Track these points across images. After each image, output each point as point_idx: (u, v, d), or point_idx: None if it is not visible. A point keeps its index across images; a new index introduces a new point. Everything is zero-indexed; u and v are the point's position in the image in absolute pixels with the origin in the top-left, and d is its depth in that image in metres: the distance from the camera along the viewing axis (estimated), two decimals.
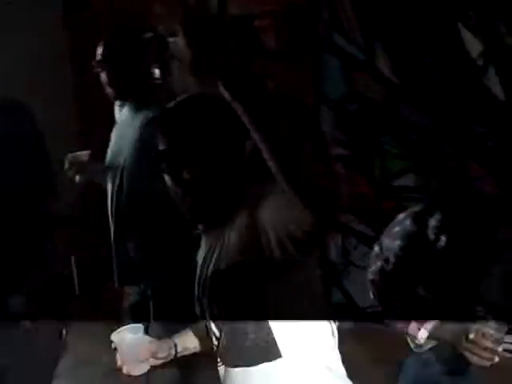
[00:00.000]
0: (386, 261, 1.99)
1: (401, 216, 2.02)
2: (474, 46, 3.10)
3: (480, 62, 3.09)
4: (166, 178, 1.50)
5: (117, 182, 2.80)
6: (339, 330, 1.61)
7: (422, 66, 3.28)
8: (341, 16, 3.53)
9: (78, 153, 2.88)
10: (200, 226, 1.54)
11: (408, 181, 3.44)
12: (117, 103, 2.95)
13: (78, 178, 2.85)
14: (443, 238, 1.93)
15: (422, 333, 1.86)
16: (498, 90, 3.04)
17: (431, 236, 1.93)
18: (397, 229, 1.97)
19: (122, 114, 2.91)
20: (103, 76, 2.74)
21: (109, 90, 2.76)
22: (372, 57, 3.45)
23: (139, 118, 2.76)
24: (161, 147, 1.49)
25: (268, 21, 3.73)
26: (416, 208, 2.00)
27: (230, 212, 1.46)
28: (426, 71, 3.26)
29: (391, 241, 1.96)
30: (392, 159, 3.50)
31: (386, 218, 3.44)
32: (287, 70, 3.63)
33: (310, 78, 3.69)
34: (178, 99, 1.55)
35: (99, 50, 2.74)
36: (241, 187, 1.47)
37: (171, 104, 1.55)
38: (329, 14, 3.57)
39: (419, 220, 1.95)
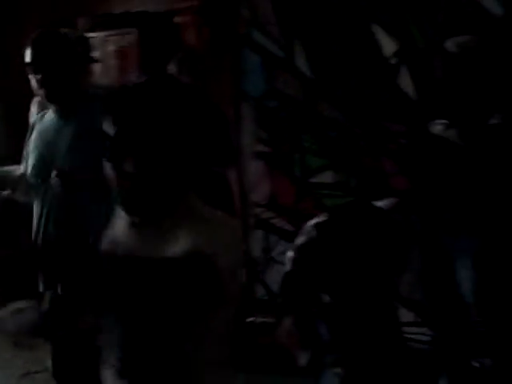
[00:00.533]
0: (291, 264, 2.06)
1: (308, 224, 2.08)
2: (387, 46, 3.16)
3: (393, 62, 3.15)
4: (108, 166, 1.45)
5: (48, 195, 2.76)
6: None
7: (339, 64, 3.32)
8: (260, 13, 3.55)
9: (6, 168, 2.84)
10: (135, 219, 1.51)
11: (327, 177, 3.49)
12: (33, 111, 2.91)
13: (4, 193, 2.82)
14: (346, 249, 1.99)
15: None
16: (410, 89, 3.11)
17: (332, 246, 2.00)
18: (301, 237, 2.05)
19: (44, 121, 2.87)
20: (33, 78, 2.72)
21: (39, 92, 2.73)
22: (291, 54, 3.48)
23: (69, 127, 2.74)
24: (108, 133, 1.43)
25: (189, 17, 3.71)
26: (321, 218, 2.06)
27: (169, 209, 1.45)
28: (343, 69, 3.31)
29: (294, 248, 2.03)
30: (312, 156, 3.54)
31: (306, 214, 3.52)
32: (208, 67, 3.63)
33: (231, 75, 3.69)
34: (131, 84, 1.51)
35: (28, 53, 2.71)
36: (183, 184, 1.46)
37: (123, 87, 1.51)
38: (248, 11, 3.57)
39: (321, 230, 2.01)
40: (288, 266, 2.09)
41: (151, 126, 1.41)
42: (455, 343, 2.87)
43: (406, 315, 3.16)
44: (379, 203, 2.18)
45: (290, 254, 2.06)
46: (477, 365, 2.83)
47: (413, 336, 3.07)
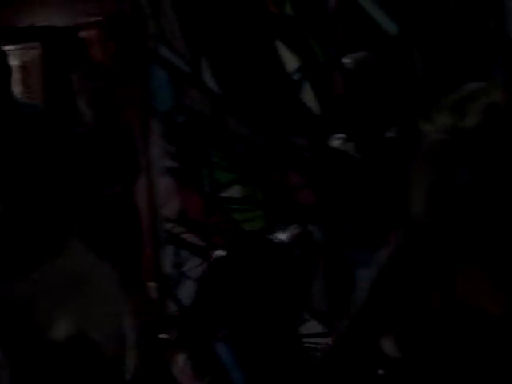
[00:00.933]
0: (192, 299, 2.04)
1: (210, 259, 2.07)
2: (290, 61, 3.22)
3: (296, 77, 3.21)
4: None
5: None
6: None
7: (245, 79, 3.36)
8: (166, 28, 3.54)
9: None
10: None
11: (235, 192, 3.51)
12: None
13: None
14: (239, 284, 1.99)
15: None
16: (313, 104, 3.18)
17: (229, 282, 2.00)
18: (201, 272, 2.03)
19: None
20: None
21: None
22: (198, 70, 3.50)
23: None
24: None
25: (94, 32, 3.68)
26: (220, 253, 2.06)
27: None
28: (248, 85, 3.35)
29: (194, 283, 2.01)
30: (220, 171, 3.55)
31: (216, 229, 3.53)
32: (115, 82, 3.60)
33: (139, 91, 3.68)
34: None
35: None
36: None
37: None
38: (155, 26, 3.57)
39: (219, 266, 2.01)
40: (189, 301, 2.07)
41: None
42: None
43: (314, 326, 3.20)
44: (280, 236, 2.19)
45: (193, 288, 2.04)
46: (382, 373, 2.90)
47: (320, 346, 3.12)
